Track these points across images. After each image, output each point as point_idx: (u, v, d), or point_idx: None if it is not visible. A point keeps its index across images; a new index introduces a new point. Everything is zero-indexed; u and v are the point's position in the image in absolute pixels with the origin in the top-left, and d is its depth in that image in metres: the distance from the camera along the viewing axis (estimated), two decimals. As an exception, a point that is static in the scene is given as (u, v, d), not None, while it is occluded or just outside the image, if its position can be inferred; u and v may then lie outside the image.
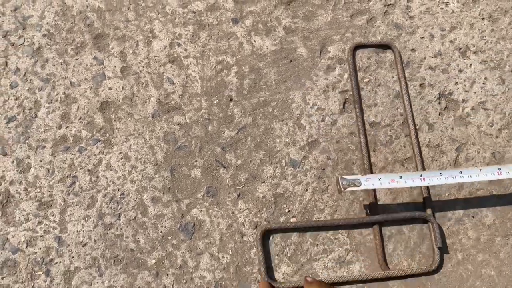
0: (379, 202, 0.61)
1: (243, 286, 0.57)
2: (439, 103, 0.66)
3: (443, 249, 0.60)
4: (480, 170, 0.56)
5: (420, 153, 0.62)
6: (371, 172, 0.62)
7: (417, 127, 0.65)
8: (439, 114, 0.66)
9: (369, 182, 0.55)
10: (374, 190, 0.61)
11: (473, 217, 0.62)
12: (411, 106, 0.65)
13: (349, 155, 0.63)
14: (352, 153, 0.63)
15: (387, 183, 0.55)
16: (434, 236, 0.58)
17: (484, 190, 0.63)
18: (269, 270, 0.56)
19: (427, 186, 0.61)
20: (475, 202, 0.63)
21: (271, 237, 0.58)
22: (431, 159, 0.64)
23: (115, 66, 0.64)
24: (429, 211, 0.60)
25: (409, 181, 0.55)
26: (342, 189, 0.54)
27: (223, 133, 0.62)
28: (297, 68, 0.66)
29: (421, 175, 0.55)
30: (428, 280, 0.60)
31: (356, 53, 0.68)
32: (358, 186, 0.55)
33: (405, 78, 0.67)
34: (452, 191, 0.63)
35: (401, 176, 0.56)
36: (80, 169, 0.59)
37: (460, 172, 0.55)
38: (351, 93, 0.66)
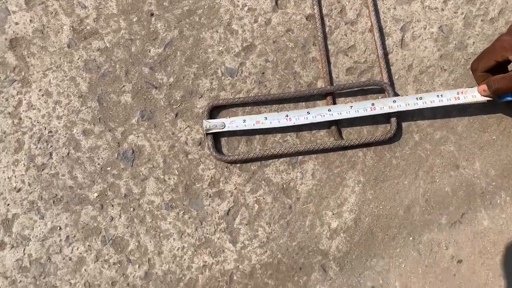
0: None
1: (195, 203, 0.56)
2: (378, -16, 0.63)
3: (399, 118, 0.59)
4: (351, 106, 0.58)
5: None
6: (328, 59, 0.62)
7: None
8: (379, -4, 0.63)
9: (233, 124, 0.57)
10: (329, 66, 0.62)
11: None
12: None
13: (288, 54, 0.61)
14: (292, 51, 0.61)
15: (252, 124, 0.57)
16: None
17: (435, 66, 0.61)
18: (216, 144, 0.59)
19: (385, 61, 0.61)
20: (427, 80, 0.61)
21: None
22: (375, 43, 0.61)
23: (18, -1, 0.59)
24: (385, 79, 0.58)
25: (274, 121, 0.57)
26: (205, 132, 0.57)
27: (149, 51, 0.59)
28: (220, -30, 0.62)
29: (287, 115, 0.57)
30: (387, 166, 0.59)
31: None
32: (221, 129, 0.57)
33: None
34: (402, 72, 0.61)
35: (266, 117, 0.57)
36: (0, 113, 0.56)
37: (330, 110, 0.58)
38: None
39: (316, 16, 0.63)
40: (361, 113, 0.58)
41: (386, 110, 0.58)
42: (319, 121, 0.58)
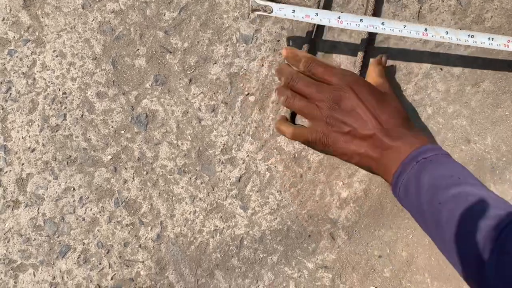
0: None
1: (207, 169, 0.57)
2: (398, -47, 0.62)
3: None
4: (405, 26, 0.56)
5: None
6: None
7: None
8: (398, -35, 0.62)
9: (281, 11, 0.55)
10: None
11: (441, 69, 0.60)
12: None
13: (304, 22, 0.60)
14: (307, 20, 0.60)
15: (301, 17, 0.55)
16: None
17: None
18: None
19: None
20: (442, 53, 0.61)
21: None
22: (392, 15, 0.61)
23: (31, -43, 0.58)
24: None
25: (324, 20, 0.55)
26: (251, 11, 0.55)
27: (164, 15, 0.59)
28: None
29: (339, 17, 0.55)
30: (398, 139, 0.59)
31: None
32: (269, 13, 0.55)
33: None
34: (418, 45, 0.61)
35: (317, 14, 0.55)
36: (14, 73, 0.56)
37: (383, 24, 0.56)
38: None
39: (333, -16, 0.62)
40: (413, 35, 0.56)
41: (437, 39, 0.56)
42: (371, 31, 0.57)
